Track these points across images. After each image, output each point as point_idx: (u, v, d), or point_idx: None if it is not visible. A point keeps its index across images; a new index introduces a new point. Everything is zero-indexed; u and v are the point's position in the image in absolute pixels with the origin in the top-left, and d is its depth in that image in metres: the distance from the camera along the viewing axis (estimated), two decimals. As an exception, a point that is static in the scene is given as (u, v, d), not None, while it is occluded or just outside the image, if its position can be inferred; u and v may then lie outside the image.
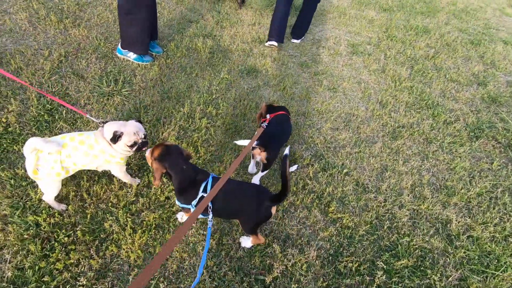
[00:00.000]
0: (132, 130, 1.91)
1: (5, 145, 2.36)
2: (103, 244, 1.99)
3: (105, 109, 2.94)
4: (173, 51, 3.90)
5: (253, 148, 2.31)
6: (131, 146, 1.93)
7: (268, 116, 2.58)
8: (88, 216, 2.08)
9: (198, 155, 2.69)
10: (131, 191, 2.29)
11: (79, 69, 3.22)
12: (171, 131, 2.85)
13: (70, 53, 3.32)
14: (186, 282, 1.92)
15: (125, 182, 2.33)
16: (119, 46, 3.52)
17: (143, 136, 1.99)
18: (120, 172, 2.15)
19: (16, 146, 2.37)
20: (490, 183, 2.88)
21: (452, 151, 3.20)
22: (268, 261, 2.06)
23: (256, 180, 2.54)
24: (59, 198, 2.15)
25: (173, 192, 2.35)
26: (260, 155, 2.30)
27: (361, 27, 5.62)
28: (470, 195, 2.71)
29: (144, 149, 2.06)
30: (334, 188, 2.60)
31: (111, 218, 2.11)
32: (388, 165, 2.91)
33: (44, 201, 2.06)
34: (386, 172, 2.84)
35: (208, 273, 1.96)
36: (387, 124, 3.43)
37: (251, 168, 2.65)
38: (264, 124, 2.41)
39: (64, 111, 2.74)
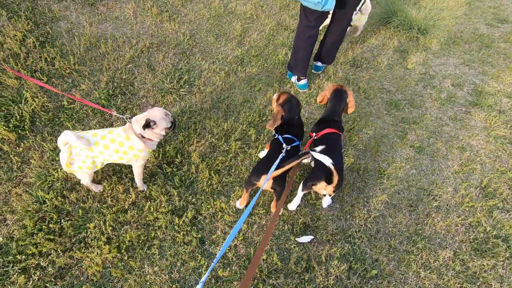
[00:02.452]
0: (161, 114, 1.95)
1: (62, 118, 2.64)
2: (78, 244, 1.98)
3: (156, 106, 2.96)
4: (248, 57, 3.64)
5: (312, 184, 1.91)
6: (169, 128, 2.01)
7: (313, 134, 2.11)
8: (80, 211, 2.10)
9: (210, 181, 2.39)
10: (130, 199, 2.21)
11: (153, 62, 3.34)
12: (199, 146, 2.63)
13: (154, 45, 3.48)
14: None
15: (129, 187, 2.27)
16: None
17: (171, 117, 2.04)
18: (139, 168, 2.13)
19: (70, 122, 2.62)
20: None
21: None
22: None
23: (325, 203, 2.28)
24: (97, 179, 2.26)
25: (162, 214, 2.15)
26: (326, 190, 1.88)
27: (506, 69, 3.98)
28: None
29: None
30: (343, 291, 1.87)
31: (98, 219, 2.08)
32: (448, 291, 1.91)
33: (82, 184, 2.20)
34: (439, 301, 1.87)
35: None
36: (479, 226, 2.27)
37: (294, 204, 2.20)
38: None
39: (119, 99, 2.88)
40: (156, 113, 1.93)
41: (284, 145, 1.95)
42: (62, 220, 2.04)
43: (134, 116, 1.98)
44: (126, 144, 1.92)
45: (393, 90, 3.57)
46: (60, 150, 1.87)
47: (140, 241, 2.01)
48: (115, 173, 2.36)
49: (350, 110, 2.22)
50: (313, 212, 2.28)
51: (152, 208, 2.17)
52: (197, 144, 2.65)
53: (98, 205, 2.16)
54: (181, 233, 2.05)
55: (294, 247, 2.06)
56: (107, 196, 2.20)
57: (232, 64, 3.57)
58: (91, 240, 1.97)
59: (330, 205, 2.31)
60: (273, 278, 1.89)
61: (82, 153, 1.84)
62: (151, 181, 2.35)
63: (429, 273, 1.98)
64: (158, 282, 1.84)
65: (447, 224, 2.25)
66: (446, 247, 2.13)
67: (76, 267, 1.88)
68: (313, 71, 3.61)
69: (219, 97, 3.15)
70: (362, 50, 4.00)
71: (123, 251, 1.95)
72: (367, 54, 4.00)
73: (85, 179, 2.07)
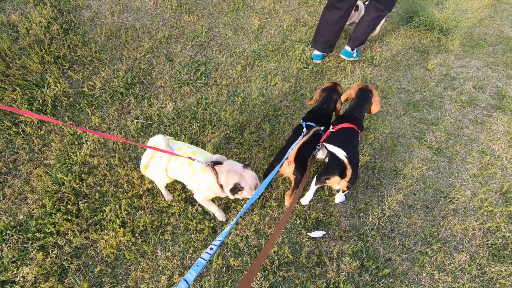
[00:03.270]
0: (252, 184, 1.74)
1: (82, 104, 2.69)
2: (94, 226, 2.02)
3: (172, 96, 2.98)
4: (265, 52, 3.62)
5: (325, 178, 1.89)
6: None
7: (331, 127, 2.07)
8: (97, 194, 2.14)
9: (224, 172, 2.39)
10: (144, 185, 2.24)
11: (172, 53, 3.36)
12: (214, 137, 2.64)
13: (173, 37, 3.50)
14: None
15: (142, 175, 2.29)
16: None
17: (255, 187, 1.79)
18: (203, 202, 1.98)
19: (89, 108, 2.67)
20: None
21: None
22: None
23: (338, 199, 2.24)
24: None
25: (176, 202, 2.16)
26: (339, 185, 1.86)
27: (532, 73, 3.83)
28: None
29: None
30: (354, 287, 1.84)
31: (114, 203, 2.12)
32: (463, 295, 1.85)
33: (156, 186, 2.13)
34: (453, 304, 1.82)
35: None
36: (498, 231, 2.19)
37: (306, 199, 2.19)
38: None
39: (137, 88, 2.92)
40: (249, 180, 1.73)
41: (304, 130, 1.95)
42: (80, 202, 2.08)
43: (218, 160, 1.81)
44: (199, 175, 1.78)
45: (411, 90, 3.48)
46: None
47: (154, 227, 2.03)
48: (131, 159, 2.39)
49: (375, 109, 2.18)
50: (326, 208, 2.26)
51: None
52: (212, 135, 2.65)
53: (115, 189, 2.19)
54: (194, 221, 2.06)
55: (305, 241, 2.04)
56: (123, 182, 2.23)
57: (249, 58, 3.55)
58: (107, 222, 2.01)
59: (343, 201, 2.28)
60: (284, 271, 1.88)
61: (161, 161, 1.79)
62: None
63: (444, 275, 1.92)
64: (170, 267, 1.85)
65: (464, 227, 2.19)
66: (463, 251, 2.06)
67: (91, 247, 1.92)
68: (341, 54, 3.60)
69: (235, 90, 3.15)
70: (381, 49, 3.92)
71: (137, 235, 1.98)
72: (386, 53, 3.91)
73: (159, 184, 2.03)
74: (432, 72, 3.74)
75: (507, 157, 2.76)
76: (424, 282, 1.90)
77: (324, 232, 2.08)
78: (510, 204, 2.35)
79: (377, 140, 2.81)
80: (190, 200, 2.19)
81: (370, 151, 2.70)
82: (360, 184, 2.42)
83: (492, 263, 2.01)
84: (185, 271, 1.83)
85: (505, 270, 1.97)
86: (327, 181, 1.91)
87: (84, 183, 2.20)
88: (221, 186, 1.75)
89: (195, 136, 2.64)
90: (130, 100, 2.82)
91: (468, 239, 2.14)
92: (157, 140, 1.71)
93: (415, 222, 2.21)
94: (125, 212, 2.06)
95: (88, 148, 2.40)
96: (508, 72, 3.83)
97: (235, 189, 1.69)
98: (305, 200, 2.19)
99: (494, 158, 2.75)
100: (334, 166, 1.82)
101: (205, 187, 1.80)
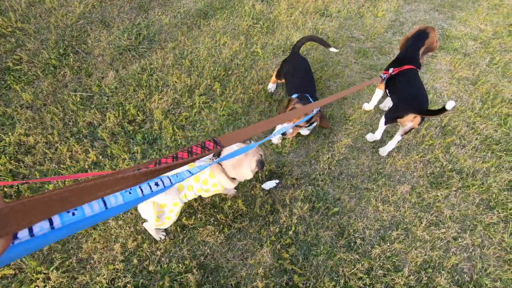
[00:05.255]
0: (259, 157, 1.63)
1: (9, 81, 2.40)
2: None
3: (113, 64, 2.74)
4: (212, 10, 3.37)
5: (398, 116, 1.96)
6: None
7: (391, 69, 2.06)
8: (38, 174, 1.99)
9: (174, 137, 2.30)
10: (90, 159, 2.11)
11: (108, 17, 3.04)
12: (162, 103, 2.50)
13: (107, -1, 3.14)
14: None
15: (88, 148, 2.15)
16: None
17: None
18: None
19: (18, 85, 2.39)
20: None
21: (523, 234, 1.99)
22: (178, 289, 1.65)
23: (392, 145, 2.21)
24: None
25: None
26: (413, 122, 1.92)
27: (474, 13, 3.89)
28: (515, 315, 1.65)
29: None
30: (306, 228, 1.91)
31: (57, 181, 1.99)
32: (403, 222, 1.99)
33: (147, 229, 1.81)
34: (395, 230, 1.95)
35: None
36: (436, 161, 2.32)
37: (378, 135, 2.27)
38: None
39: (72, 59, 2.64)
40: (252, 154, 1.62)
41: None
42: (19, 184, 1.93)
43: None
44: (210, 181, 1.63)
45: (362, 38, 3.44)
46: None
47: (103, 198, 1.95)
48: (72, 134, 2.22)
49: (435, 46, 2.16)
50: (279, 159, 2.26)
51: (114, 166, 2.08)
52: (160, 101, 2.51)
53: (57, 167, 2.05)
54: (145, 188, 2.00)
55: (259, 193, 2.05)
56: (66, 158, 2.09)
57: (195, 17, 3.30)
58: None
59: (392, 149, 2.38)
60: (238, 222, 1.90)
61: (169, 202, 1.56)
62: (112, 140, 2.24)
63: (387, 206, 2.04)
64: (123, 234, 1.81)
65: (406, 162, 2.30)
66: (405, 183, 2.18)
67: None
68: None
69: (182, 53, 2.95)
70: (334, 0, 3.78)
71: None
72: (338, 3, 3.79)
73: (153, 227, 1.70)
74: (382, 19, 3.70)
75: (448, 93, 2.86)
76: (370, 215, 2.01)
77: (277, 181, 2.10)
78: (448, 136, 2.48)
79: (328, 90, 2.80)
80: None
81: (321, 101, 2.69)
82: (313, 133, 2.43)
83: (430, 190, 2.15)
84: (139, 236, 1.80)
85: (441, 194, 2.12)
86: (399, 120, 1.99)
87: (21, 164, 2.03)
88: (233, 179, 1.64)
89: (141, 104, 2.48)
90: (65, 72, 2.56)
91: (410, 172, 2.25)
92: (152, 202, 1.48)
93: (362, 162, 2.28)
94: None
95: (22, 127, 2.19)
96: (452, 13, 3.87)
97: (262, 163, 1.62)
98: (385, 149, 2.27)
99: (437, 95, 2.84)
100: (406, 105, 1.91)
101: (220, 188, 1.65)
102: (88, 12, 2.98)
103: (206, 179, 1.61)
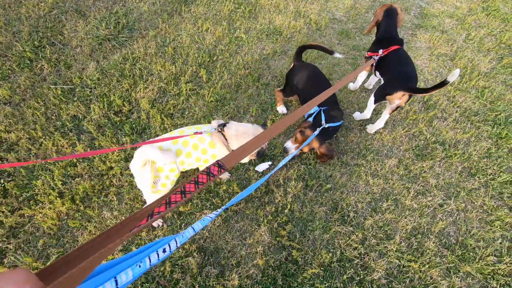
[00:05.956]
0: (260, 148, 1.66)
1: (-18, 77, 2.27)
2: (27, 202, 1.83)
3: (93, 55, 2.63)
4: (191, -3, 3.27)
5: (386, 93, 2.00)
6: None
7: (380, 51, 2.09)
8: (23, 171, 1.91)
9: (163, 125, 2.26)
10: (77, 152, 2.04)
11: (83, 6, 2.89)
12: (148, 92, 2.43)
13: (80, -13, 2.98)
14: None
15: (75, 141, 2.08)
16: None
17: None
18: None
19: (-8, 80, 2.26)
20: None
21: (501, 197, 2.11)
22: (179, 273, 1.66)
23: (380, 124, 2.25)
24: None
25: (116, 163, 2.02)
26: (401, 99, 1.97)
27: (450, -10, 3.97)
28: (497, 269, 1.77)
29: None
30: (301, 206, 1.96)
31: (45, 175, 1.92)
32: (393, 193, 2.07)
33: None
34: (385, 201, 2.02)
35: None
36: (421, 135, 2.41)
37: (367, 114, 2.26)
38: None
39: (48, 51, 2.51)
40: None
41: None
42: (4, 181, 1.85)
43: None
44: (210, 152, 1.59)
45: (344, 20, 3.45)
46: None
47: (96, 191, 1.91)
48: (56, 128, 2.14)
49: (400, 22, 2.23)
50: (270, 142, 2.28)
51: (103, 159, 2.03)
52: (145, 90, 2.44)
53: (43, 162, 1.98)
54: (138, 178, 1.97)
55: (253, 175, 2.07)
56: (52, 153, 2.01)
57: (175, 4, 3.20)
58: (40, 196, 1.83)
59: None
60: (235, 205, 1.92)
61: (166, 167, 1.49)
62: (99, 132, 2.17)
63: (377, 179, 2.11)
64: (119, 225, 1.78)
65: (393, 137, 2.37)
66: (392, 156, 2.26)
67: (29, 224, 1.76)
68: None
69: (164, 41, 2.86)
70: (312, -20, 3.74)
71: (78, 202, 1.84)
72: (317, -16, 3.76)
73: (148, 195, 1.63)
74: (362, 0, 3.71)
75: (428, 69, 2.94)
76: (361, 189, 2.07)
77: (269, 163, 2.12)
78: (430, 110, 2.56)
79: (314, 71, 2.81)
80: (129, 158, 2.06)
81: (308, 82, 2.70)
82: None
83: (416, 162, 2.24)
84: (136, 225, 1.78)
85: (426, 165, 2.21)
86: (387, 97, 2.01)
87: (5, 162, 1.95)
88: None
89: (126, 94, 2.41)
90: (42, 65, 2.44)
91: (396, 146, 2.33)
92: (147, 153, 1.38)
93: (351, 140, 2.33)
94: (60, 182, 1.89)
95: (1, 124, 2.08)
96: (429, -9, 3.93)
97: (262, 151, 1.64)
98: (373, 127, 2.31)
99: (418, 72, 2.92)
100: (396, 82, 1.95)
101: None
102: (61, 1, 2.82)
103: (205, 149, 1.57)
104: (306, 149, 2.02)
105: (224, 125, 1.61)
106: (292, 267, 1.70)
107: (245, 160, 1.62)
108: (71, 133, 2.13)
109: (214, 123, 1.66)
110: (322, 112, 2.01)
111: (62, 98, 2.29)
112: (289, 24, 3.20)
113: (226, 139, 1.59)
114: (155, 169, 1.48)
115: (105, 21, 2.84)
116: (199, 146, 1.56)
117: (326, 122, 1.97)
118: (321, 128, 1.95)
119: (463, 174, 2.20)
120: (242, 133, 1.58)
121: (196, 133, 1.55)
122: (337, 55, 2.20)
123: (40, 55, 2.46)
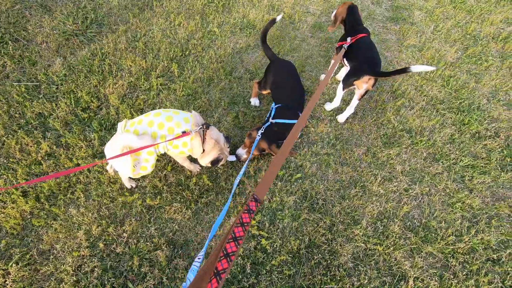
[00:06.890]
0: (217, 157, 1.80)
1: None
2: (-11, 203, 1.77)
3: (60, 51, 2.55)
4: (163, -9, 3.20)
5: (354, 79, 2.06)
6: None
7: (349, 39, 2.15)
8: (-17, 169, 1.84)
9: (133, 121, 2.21)
10: (42, 150, 1.98)
11: (48, 1, 2.79)
12: (117, 87, 2.38)
13: (45, -19, 2.87)
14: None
15: (39, 139, 2.01)
16: None
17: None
18: (184, 162, 1.94)
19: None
20: (502, 239, 1.93)
21: (463, 180, 2.20)
22: (147, 266, 1.65)
23: (351, 110, 2.32)
24: None
25: (83, 159, 1.98)
26: (368, 83, 2.03)
27: (420, -16, 4.06)
28: (456, 248, 1.85)
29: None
30: (270, 196, 1.97)
31: (7, 175, 1.86)
32: (361, 180, 2.11)
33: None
34: (353, 188, 2.06)
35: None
36: (389, 123, 2.46)
37: (336, 102, 2.31)
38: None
39: (11, 47, 2.41)
40: (226, 154, 1.85)
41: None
42: (-37, 182, 1.78)
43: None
44: (189, 145, 1.70)
45: (317, 13, 3.48)
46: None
47: (62, 189, 1.86)
48: (20, 126, 2.07)
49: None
50: (241, 134, 2.28)
51: (70, 156, 1.98)
52: (114, 86, 2.39)
53: (5, 161, 1.91)
54: (106, 174, 1.93)
55: (223, 167, 2.06)
56: (15, 151, 1.95)
57: (147, -2, 3.13)
58: (2, 196, 1.77)
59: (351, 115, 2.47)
60: (205, 197, 1.91)
61: (144, 150, 1.55)
62: (66, 129, 2.11)
63: (346, 168, 2.15)
64: (86, 221, 1.75)
65: (362, 126, 2.41)
66: (361, 145, 2.30)
67: (-10, 225, 1.70)
68: None
69: (134, 36, 2.80)
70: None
71: (42, 200, 1.79)
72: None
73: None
74: (335, -7, 3.74)
75: (397, 61, 3.01)
76: (330, 177, 2.11)
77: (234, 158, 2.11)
78: (398, 99, 2.62)
79: (286, 64, 2.82)
80: (99, 155, 2.02)
81: (280, 75, 2.70)
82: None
83: (383, 149, 2.29)
84: (103, 221, 1.75)
85: (393, 152, 2.26)
86: (355, 82, 2.07)
87: (-36, 162, 1.87)
88: (203, 150, 1.73)
89: (94, 91, 2.35)
90: (4, 62, 2.35)
91: (365, 135, 2.37)
92: (127, 140, 1.48)
93: (321, 130, 2.36)
94: (23, 181, 1.83)
95: (-40, 124, 1.99)
96: (400, -15, 4.00)
97: (217, 161, 1.77)
98: (343, 116, 2.36)
99: (387, 63, 2.98)
100: (362, 67, 2.01)
101: (187, 150, 1.72)
102: (25, -4, 2.71)
103: (186, 142, 1.67)
104: (256, 152, 1.95)
105: (208, 126, 1.72)
106: (261, 256, 1.72)
107: (204, 163, 1.83)
108: (36, 131, 2.07)
109: (196, 117, 1.72)
110: (273, 108, 2.04)
111: (26, 95, 2.21)
112: (262, 18, 3.19)
113: (205, 138, 1.71)
114: (134, 154, 1.54)
115: (72, 16, 2.75)
116: (174, 130, 1.62)
117: (274, 118, 1.96)
118: (266, 125, 1.94)
119: (428, 159, 2.27)
120: (216, 140, 1.75)
121: (183, 133, 1.62)
122: (278, 18, 2.34)
123: (2, 52, 2.36)
